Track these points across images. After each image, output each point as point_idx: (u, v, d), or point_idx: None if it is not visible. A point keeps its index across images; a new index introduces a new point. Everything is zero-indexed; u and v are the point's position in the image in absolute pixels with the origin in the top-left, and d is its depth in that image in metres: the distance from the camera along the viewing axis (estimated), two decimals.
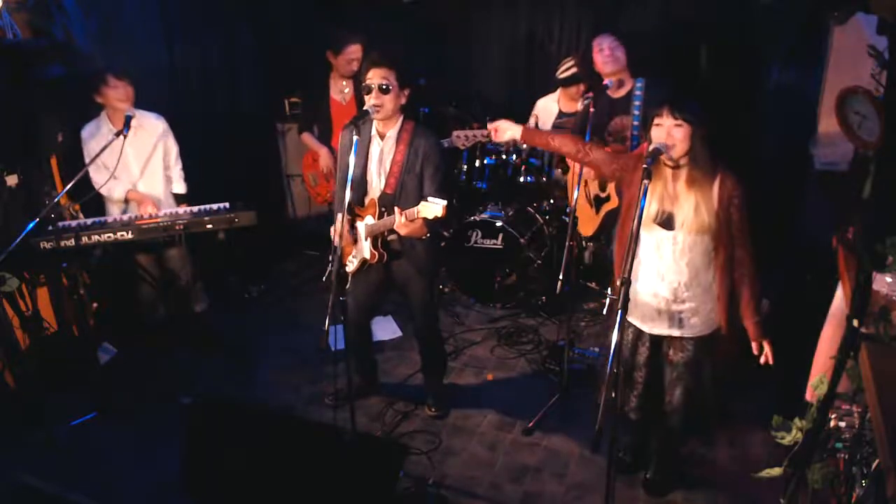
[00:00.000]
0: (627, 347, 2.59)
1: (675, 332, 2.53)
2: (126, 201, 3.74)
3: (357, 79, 4.41)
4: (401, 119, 3.04)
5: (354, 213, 3.12)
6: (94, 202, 3.72)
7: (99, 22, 3.94)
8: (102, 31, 3.97)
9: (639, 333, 2.59)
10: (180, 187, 3.92)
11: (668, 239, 2.43)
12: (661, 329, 2.54)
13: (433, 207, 2.71)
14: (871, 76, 2.72)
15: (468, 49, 5.44)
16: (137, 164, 3.73)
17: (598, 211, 3.89)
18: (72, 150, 3.73)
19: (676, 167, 2.38)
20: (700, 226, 2.36)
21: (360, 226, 3.10)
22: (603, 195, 3.81)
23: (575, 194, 3.34)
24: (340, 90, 4.52)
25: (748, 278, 2.43)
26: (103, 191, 3.63)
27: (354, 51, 4.33)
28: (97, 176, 3.61)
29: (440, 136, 3.16)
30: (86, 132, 3.61)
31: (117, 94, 3.51)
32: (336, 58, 4.38)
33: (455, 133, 3.25)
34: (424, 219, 2.79)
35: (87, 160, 3.53)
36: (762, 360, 2.50)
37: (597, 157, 2.58)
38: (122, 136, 3.45)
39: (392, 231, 3.00)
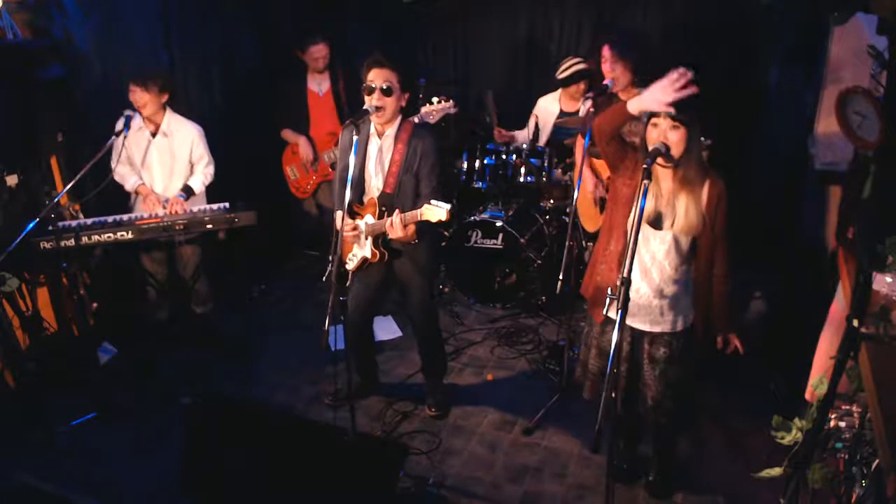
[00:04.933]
0: (609, 342, 2.59)
1: (657, 328, 2.55)
2: (136, 193, 3.79)
3: (332, 72, 4.62)
4: (399, 118, 3.04)
5: (354, 212, 3.12)
6: (94, 202, 3.72)
7: (99, 22, 3.94)
8: (102, 31, 3.97)
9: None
10: (195, 183, 3.85)
11: (655, 237, 2.46)
12: (642, 324, 2.56)
13: (437, 211, 2.71)
14: (871, 76, 2.72)
15: (468, 49, 5.44)
16: (161, 168, 3.77)
17: (602, 211, 3.89)
18: (72, 150, 3.73)
19: (670, 167, 2.39)
20: (689, 226, 2.39)
21: (361, 224, 3.10)
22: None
23: (576, 194, 3.34)
24: (318, 82, 4.67)
25: (721, 277, 2.49)
26: (117, 178, 3.70)
27: (318, 50, 4.50)
28: (118, 166, 3.69)
29: (437, 133, 3.18)
30: (118, 125, 3.63)
31: (134, 98, 3.57)
32: (303, 56, 4.54)
33: (423, 109, 3.26)
34: (426, 223, 2.79)
35: (113, 153, 3.62)
36: (729, 349, 2.56)
37: (615, 149, 2.56)
38: (122, 136, 3.50)
39: None
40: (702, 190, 2.40)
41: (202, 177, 3.87)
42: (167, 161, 3.77)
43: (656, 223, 2.45)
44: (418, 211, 2.79)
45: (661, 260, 2.47)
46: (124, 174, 3.73)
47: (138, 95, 3.57)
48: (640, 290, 2.51)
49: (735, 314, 2.56)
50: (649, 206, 2.42)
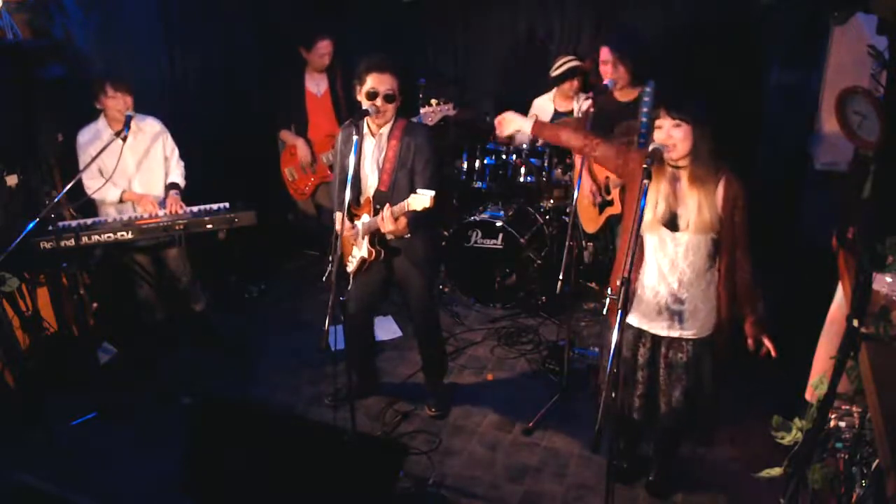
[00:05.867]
0: (628, 347, 2.59)
1: (675, 333, 2.52)
2: (122, 202, 3.71)
3: (330, 73, 4.58)
4: (394, 118, 3.05)
5: (352, 213, 3.12)
6: (88, 206, 3.70)
7: (99, 22, 3.94)
8: (102, 31, 3.97)
9: (639, 333, 2.59)
10: (177, 178, 3.83)
11: (671, 239, 2.43)
12: (660, 329, 2.54)
13: (421, 199, 2.73)
14: (871, 76, 2.72)
15: (468, 49, 5.44)
16: (135, 168, 3.71)
17: (600, 212, 3.89)
18: (71, 150, 3.73)
19: (679, 167, 2.38)
20: (703, 225, 2.37)
21: (358, 224, 3.11)
22: (608, 198, 3.81)
23: (576, 194, 3.34)
24: (316, 83, 4.62)
25: (746, 280, 2.46)
26: (96, 195, 3.57)
27: (324, 46, 4.45)
28: (91, 182, 3.57)
29: (434, 131, 3.19)
30: (83, 137, 3.57)
31: (115, 103, 3.50)
32: (308, 53, 4.48)
33: (422, 111, 3.27)
34: (413, 213, 2.80)
35: (81, 165, 3.49)
36: (762, 352, 2.51)
37: (604, 152, 2.57)
38: (121, 138, 3.45)
39: None
40: (716, 188, 2.37)
41: (179, 170, 3.85)
42: (144, 160, 3.70)
43: (672, 224, 2.42)
44: (406, 202, 2.81)
45: (679, 262, 2.44)
46: (103, 190, 3.56)
47: (120, 100, 3.48)
48: (659, 294, 2.49)
49: (760, 318, 2.52)
50: (664, 206, 2.41)
